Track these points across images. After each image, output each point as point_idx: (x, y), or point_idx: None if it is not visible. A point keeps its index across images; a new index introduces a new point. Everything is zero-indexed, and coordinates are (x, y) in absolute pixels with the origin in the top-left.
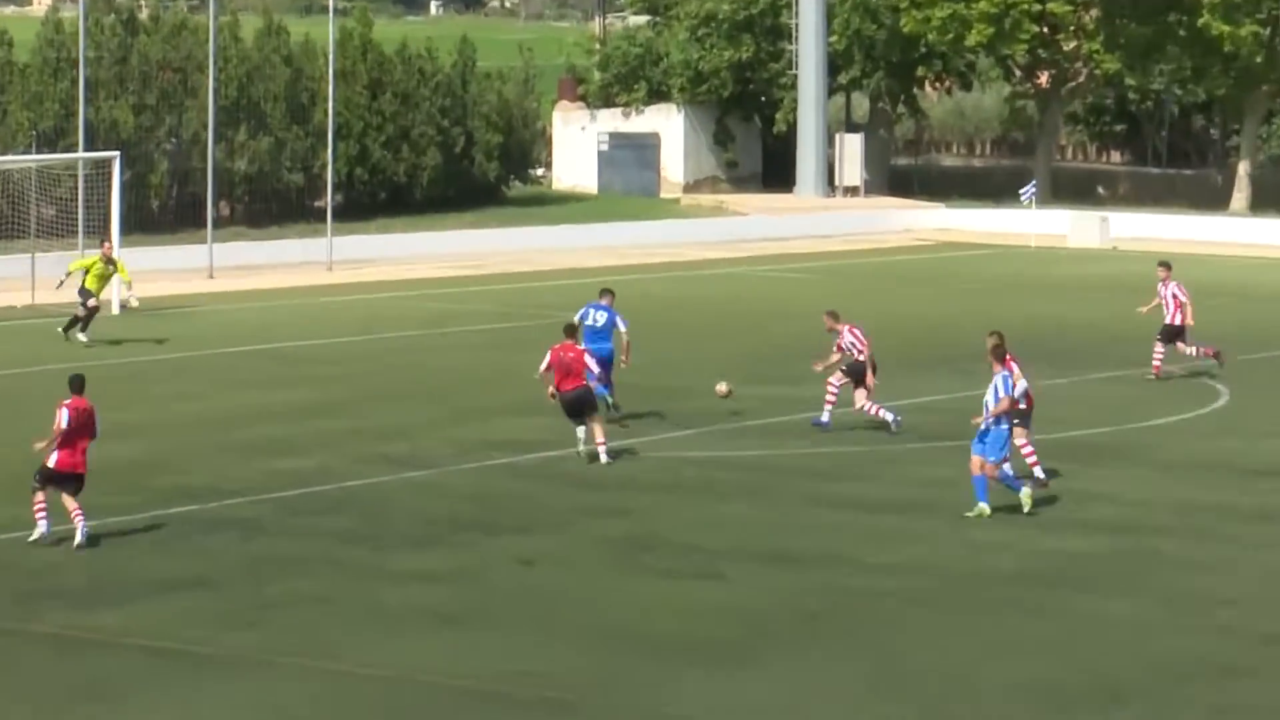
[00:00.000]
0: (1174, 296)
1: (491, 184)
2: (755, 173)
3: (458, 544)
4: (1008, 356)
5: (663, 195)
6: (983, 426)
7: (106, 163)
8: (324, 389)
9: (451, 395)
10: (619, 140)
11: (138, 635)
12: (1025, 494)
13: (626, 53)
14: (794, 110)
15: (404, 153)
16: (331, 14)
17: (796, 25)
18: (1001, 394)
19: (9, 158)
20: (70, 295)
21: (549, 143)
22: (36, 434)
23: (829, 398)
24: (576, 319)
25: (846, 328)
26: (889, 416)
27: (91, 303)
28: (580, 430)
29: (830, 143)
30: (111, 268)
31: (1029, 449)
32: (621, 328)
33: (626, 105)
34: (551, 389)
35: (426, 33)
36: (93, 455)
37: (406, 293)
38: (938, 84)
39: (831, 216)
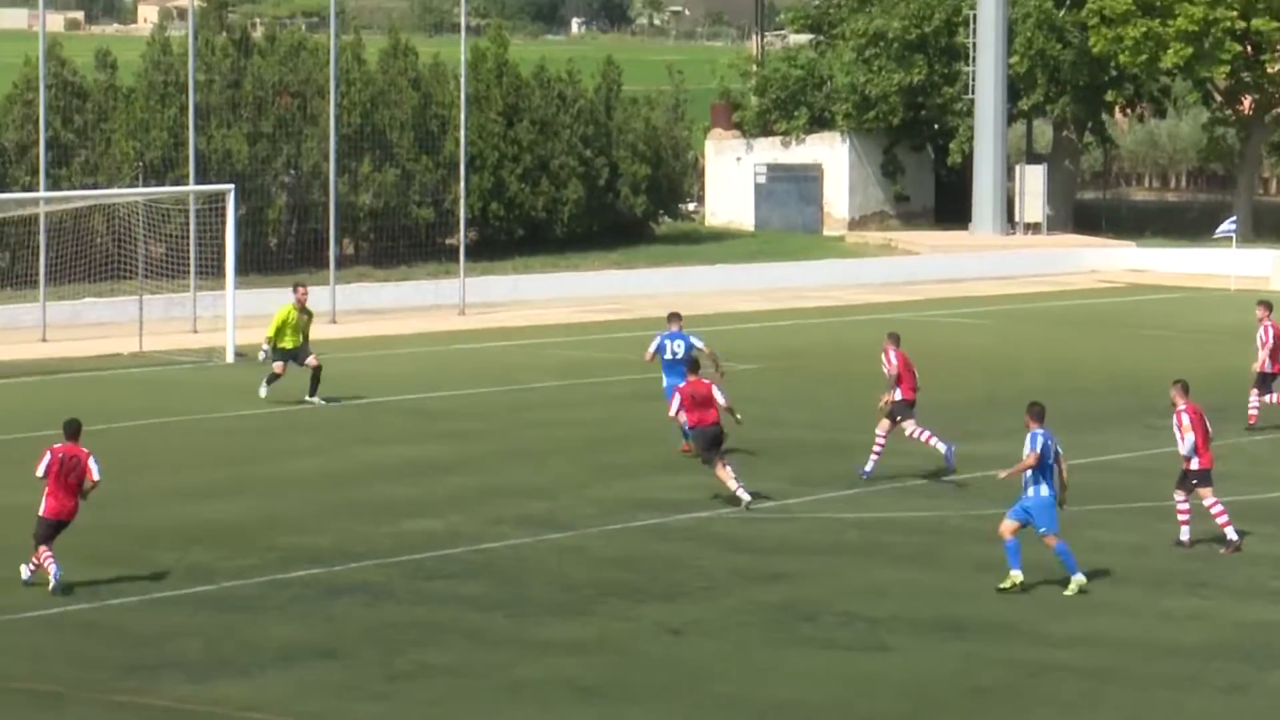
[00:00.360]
0: (1260, 339)
1: (638, 220)
2: (927, 207)
3: (601, 612)
4: (1185, 406)
5: (826, 232)
6: (1020, 488)
7: (219, 196)
8: (456, 444)
9: (594, 451)
10: (778, 172)
11: (258, 708)
12: (1078, 580)
13: (786, 75)
14: (970, 139)
15: (543, 185)
16: (463, 33)
17: (973, 45)
18: (1027, 451)
19: (114, 191)
20: (185, 341)
21: (701, 175)
22: (151, 491)
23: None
24: (653, 351)
25: (893, 351)
26: (941, 445)
27: (278, 366)
28: (727, 479)
29: (1010, 175)
30: (307, 317)
31: (1218, 509)
32: (699, 344)
33: (786, 133)
34: (684, 422)
35: (567, 53)
36: (211, 514)
37: (545, 339)
38: (1129, 110)
39: (1010, 256)
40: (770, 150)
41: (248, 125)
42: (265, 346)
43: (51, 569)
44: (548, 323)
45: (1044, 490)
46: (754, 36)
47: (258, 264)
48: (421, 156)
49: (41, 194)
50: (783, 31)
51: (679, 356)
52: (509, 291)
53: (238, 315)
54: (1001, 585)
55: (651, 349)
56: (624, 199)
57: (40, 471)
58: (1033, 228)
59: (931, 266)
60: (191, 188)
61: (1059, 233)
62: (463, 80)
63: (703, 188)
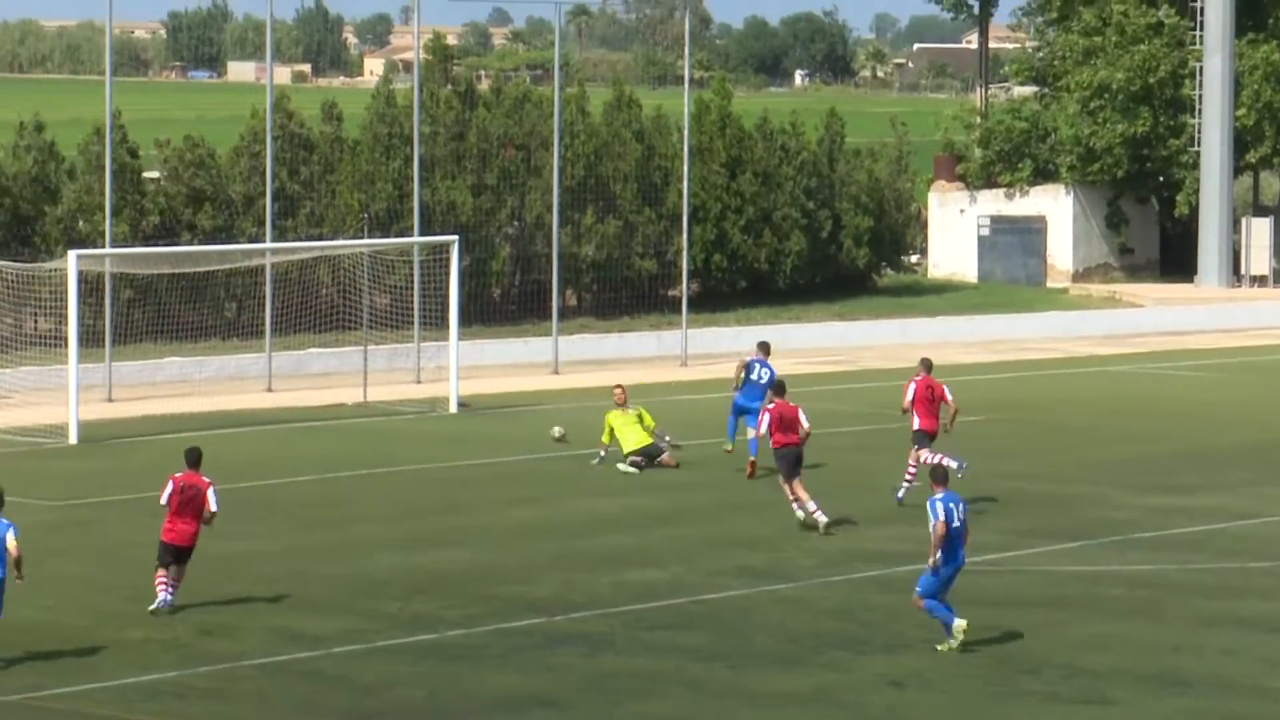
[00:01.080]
0: None
1: (860, 272)
2: (1152, 260)
3: (822, 663)
4: None
5: (1049, 285)
6: (930, 566)
7: (444, 248)
8: (677, 495)
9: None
10: (1001, 224)
11: None
12: (958, 629)
13: (1010, 127)
14: (1196, 191)
15: (765, 237)
16: (687, 85)
17: (1200, 97)
18: (932, 521)
19: (340, 242)
20: (408, 391)
21: (924, 227)
22: (375, 540)
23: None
24: (743, 374)
25: (919, 379)
26: (952, 462)
27: (635, 470)
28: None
29: (1236, 227)
30: (635, 413)
31: None
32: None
33: (1010, 185)
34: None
35: (790, 105)
36: (433, 563)
37: None
38: None
39: (1236, 308)
40: (994, 202)
41: (472, 177)
42: (601, 453)
43: (160, 595)
44: None
45: (953, 561)
46: (978, 89)
47: (481, 315)
48: (644, 208)
49: (268, 245)
50: (1007, 84)
51: (763, 381)
52: (731, 343)
53: (461, 366)
54: (950, 643)
55: (742, 372)
56: (846, 251)
57: (164, 500)
58: (1259, 280)
59: (1156, 319)
60: (416, 239)
61: None
62: (685, 132)
63: (925, 240)
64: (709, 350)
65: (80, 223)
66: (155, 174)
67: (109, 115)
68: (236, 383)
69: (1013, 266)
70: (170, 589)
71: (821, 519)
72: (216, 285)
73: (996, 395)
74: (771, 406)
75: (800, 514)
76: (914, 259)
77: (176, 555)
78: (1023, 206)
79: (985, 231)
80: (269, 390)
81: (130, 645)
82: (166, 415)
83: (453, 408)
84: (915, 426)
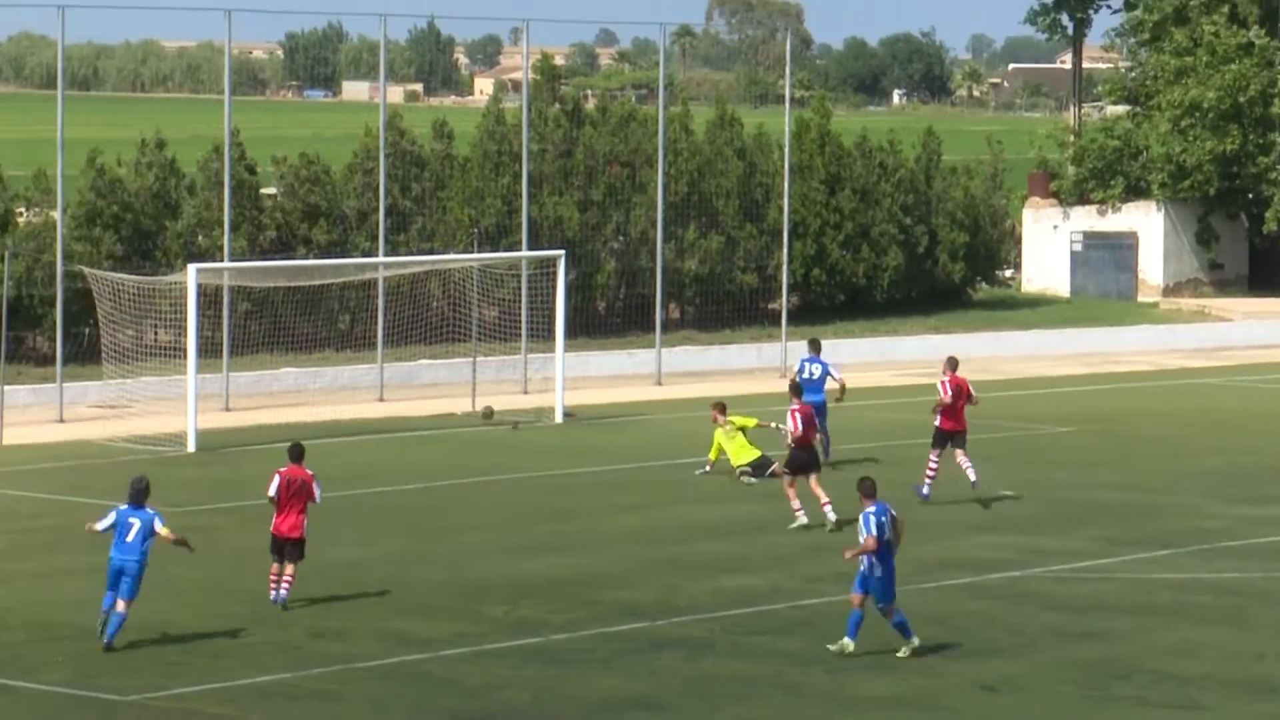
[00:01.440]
0: None
1: (956, 286)
2: (1241, 275)
3: (917, 668)
4: None
5: (1140, 299)
6: (861, 567)
7: (551, 262)
8: (774, 503)
9: (908, 510)
10: (1094, 240)
11: None
12: (912, 644)
13: (1103, 146)
14: None
15: (863, 252)
16: (788, 104)
17: None
18: (863, 534)
19: (450, 256)
20: (515, 401)
21: (1018, 242)
22: (483, 546)
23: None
24: (795, 377)
25: (949, 377)
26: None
27: (751, 481)
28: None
29: None
30: (731, 426)
31: None
32: (835, 374)
33: (1102, 202)
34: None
35: (888, 124)
36: (538, 569)
37: (864, 401)
38: None
39: None
40: (1086, 218)
41: (578, 193)
42: (706, 467)
43: (272, 592)
44: (866, 385)
45: (878, 570)
46: (1072, 108)
47: (586, 327)
48: (746, 224)
49: (380, 259)
50: (1100, 103)
51: (815, 378)
52: (829, 355)
53: (566, 377)
54: (830, 646)
55: (794, 372)
56: (942, 266)
57: (271, 492)
58: None
59: (1245, 333)
60: (524, 253)
61: None
62: (786, 150)
63: (1019, 255)
64: None
65: (199, 237)
66: (272, 190)
67: (228, 133)
68: (349, 393)
69: (1104, 281)
70: (284, 586)
71: (831, 516)
72: (330, 298)
73: (1088, 407)
74: (798, 408)
75: (805, 520)
76: (1008, 274)
77: (286, 547)
78: (1114, 223)
79: (1078, 247)
80: (380, 400)
81: (245, 647)
82: (281, 424)
83: (558, 418)
84: (938, 424)
